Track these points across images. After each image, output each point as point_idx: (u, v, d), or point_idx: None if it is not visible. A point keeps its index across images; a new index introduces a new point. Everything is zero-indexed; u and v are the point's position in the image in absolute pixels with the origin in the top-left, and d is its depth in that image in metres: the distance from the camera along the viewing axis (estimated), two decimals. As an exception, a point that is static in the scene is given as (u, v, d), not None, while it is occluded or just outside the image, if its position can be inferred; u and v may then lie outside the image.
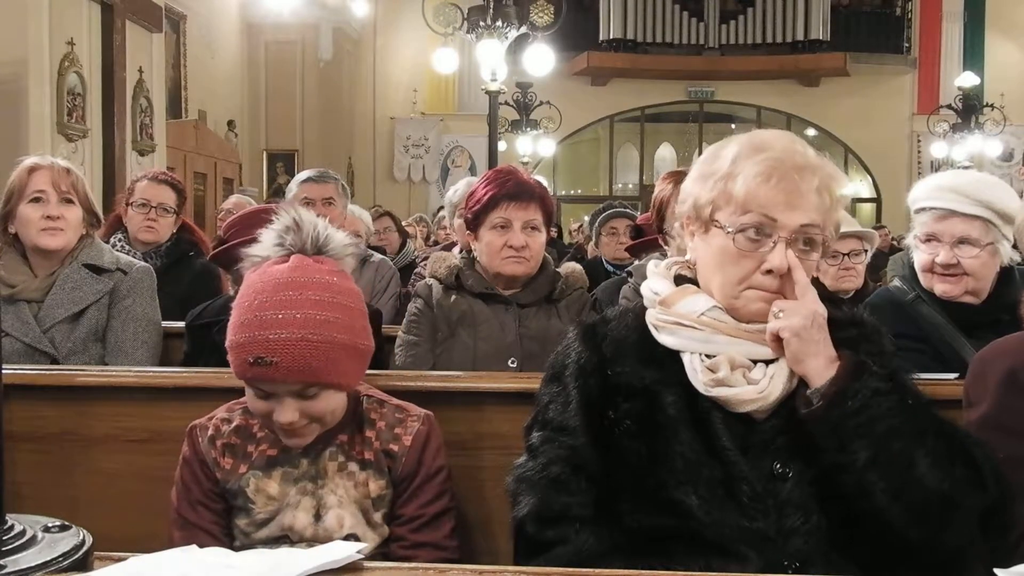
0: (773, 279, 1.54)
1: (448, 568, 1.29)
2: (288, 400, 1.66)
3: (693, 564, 1.43)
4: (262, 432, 1.76)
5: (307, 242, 1.74)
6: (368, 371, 1.89)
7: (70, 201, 2.63)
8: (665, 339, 1.59)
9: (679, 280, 1.66)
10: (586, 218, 9.73)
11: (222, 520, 1.75)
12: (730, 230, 1.56)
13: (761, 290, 1.55)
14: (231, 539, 1.75)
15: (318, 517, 1.71)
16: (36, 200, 2.59)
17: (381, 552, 1.73)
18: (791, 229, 1.53)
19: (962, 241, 2.29)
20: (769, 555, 1.46)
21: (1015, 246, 2.34)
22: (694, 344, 1.57)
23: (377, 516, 1.74)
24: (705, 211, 1.60)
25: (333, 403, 1.70)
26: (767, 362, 1.56)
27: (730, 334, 1.56)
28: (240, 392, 1.83)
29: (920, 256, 2.38)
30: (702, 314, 1.58)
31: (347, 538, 1.68)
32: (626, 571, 1.32)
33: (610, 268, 5.04)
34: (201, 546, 1.63)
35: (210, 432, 1.77)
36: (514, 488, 1.60)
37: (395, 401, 1.83)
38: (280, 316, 1.63)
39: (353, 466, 1.74)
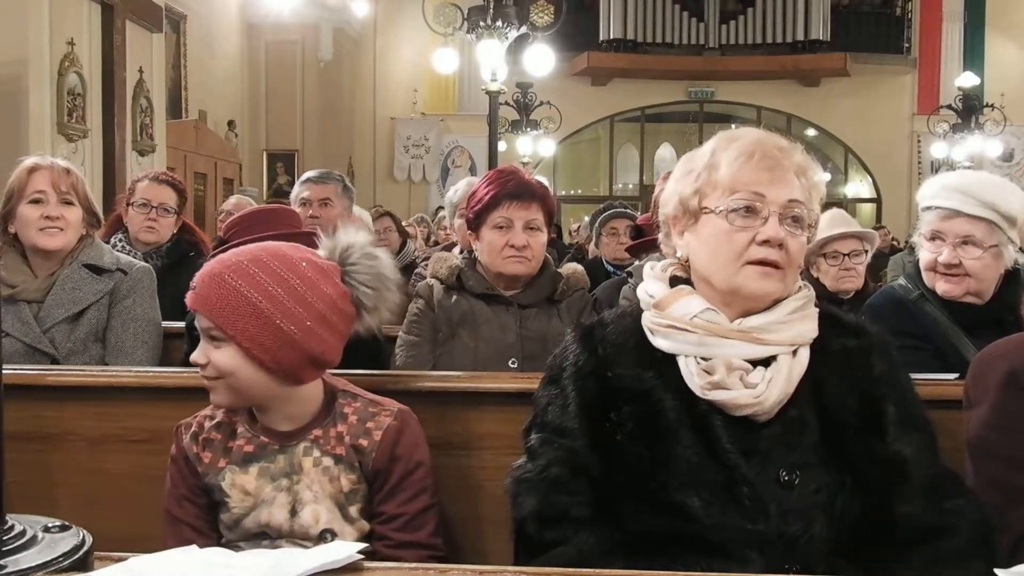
0: (770, 249, 1.55)
1: (449, 568, 1.30)
2: (203, 339, 1.69)
3: (695, 566, 1.43)
4: (242, 427, 1.77)
5: (335, 249, 1.77)
6: (367, 371, 1.89)
7: (70, 202, 2.63)
8: (660, 343, 1.59)
9: (674, 282, 1.66)
10: (586, 218, 9.72)
11: (207, 515, 1.76)
12: (721, 209, 1.57)
13: (759, 264, 1.56)
14: (218, 535, 1.76)
15: (294, 513, 1.71)
16: (36, 200, 2.59)
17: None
18: (780, 204, 1.56)
19: (966, 241, 2.29)
20: (771, 557, 1.46)
21: (1022, 248, 2.33)
22: (688, 347, 1.56)
23: (353, 511, 1.73)
24: (692, 202, 1.62)
25: (236, 365, 1.65)
26: (765, 364, 1.55)
27: (723, 335, 1.55)
28: None
29: (924, 254, 2.38)
30: (695, 316, 1.57)
31: (323, 533, 1.68)
32: (626, 571, 1.32)
33: (610, 268, 5.04)
34: (188, 541, 1.65)
35: (193, 428, 1.78)
36: (514, 489, 1.60)
37: (370, 396, 1.81)
38: (227, 256, 1.69)
39: (327, 460, 1.73)
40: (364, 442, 1.73)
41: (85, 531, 1.21)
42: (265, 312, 1.63)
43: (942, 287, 2.34)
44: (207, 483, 1.75)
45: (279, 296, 1.64)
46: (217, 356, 1.67)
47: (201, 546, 1.64)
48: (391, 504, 1.74)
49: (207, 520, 1.76)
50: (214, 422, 1.78)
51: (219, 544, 1.73)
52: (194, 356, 1.70)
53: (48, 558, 1.13)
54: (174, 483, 1.78)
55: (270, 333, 1.64)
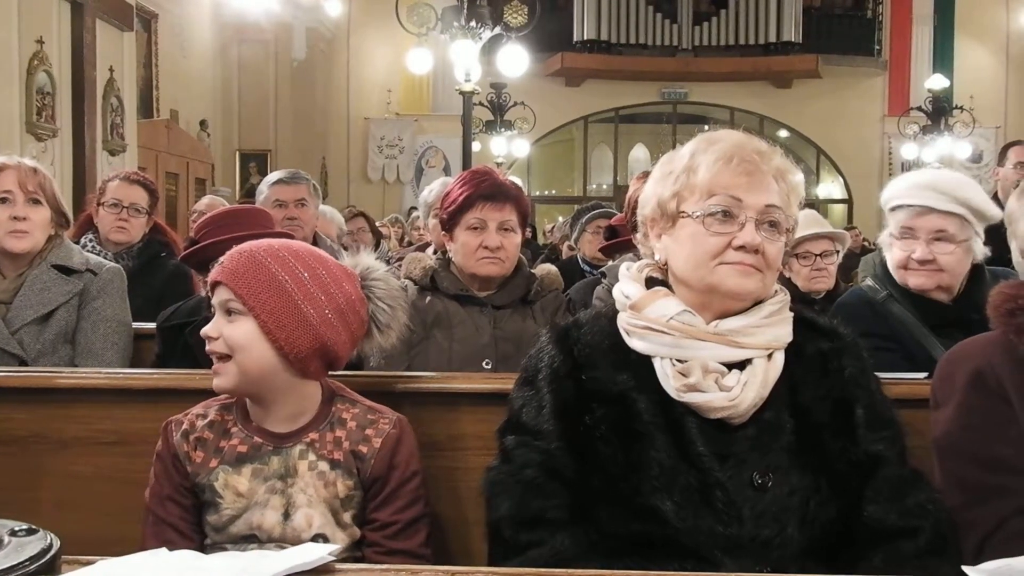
0: (746, 254, 1.55)
1: (421, 569, 1.29)
2: (218, 314, 1.70)
3: (668, 568, 1.43)
4: (235, 427, 1.75)
5: (357, 266, 1.83)
6: (343, 371, 1.88)
7: (37, 201, 2.59)
8: (636, 344, 1.60)
9: (650, 283, 1.66)
10: (560, 219, 9.72)
11: (191, 516, 1.74)
12: (698, 214, 1.57)
13: (735, 264, 1.56)
14: (201, 536, 1.74)
15: (287, 516, 1.70)
16: (2, 200, 2.56)
17: (353, 555, 1.72)
18: (757, 209, 1.56)
19: (938, 237, 2.32)
20: (744, 561, 1.47)
21: (986, 243, 2.37)
22: (664, 349, 1.57)
23: (346, 517, 1.73)
24: (670, 205, 1.61)
25: (249, 341, 1.66)
26: (741, 367, 1.56)
27: (699, 338, 1.56)
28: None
29: (895, 252, 2.39)
30: (671, 318, 1.57)
31: (315, 538, 1.67)
32: (600, 571, 1.32)
33: (586, 268, 5.05)
34: (169, 542, 1.63)
35: (184, 427, 1.76)
36: (489, 491, 1.60)
37: (368, 403, 1.82)
38: (261, 241, 1.75)
39: (323, 465, 1.72)
40: (364, 448, 1.74)
41: (53, 535, 1.20)
42: (289, 291, 1.67)
43: (915, 280, 2.36)
44: (197, 483, 1.72)
45: (305, 281, 1.69)
46: (231, 330, 1.67)
47: (183, 548, 1.64)
48: (385, 512, 1.74)
49: (191, 522, 1.74)
50: (206, 421, 1.76)
51: (203, 547, 1.71)
52: (206, 329, 1.70)
53: (14, 562, 1.12)
54: (159, 481, 1.76)
55: (290, 311, 1.67)
